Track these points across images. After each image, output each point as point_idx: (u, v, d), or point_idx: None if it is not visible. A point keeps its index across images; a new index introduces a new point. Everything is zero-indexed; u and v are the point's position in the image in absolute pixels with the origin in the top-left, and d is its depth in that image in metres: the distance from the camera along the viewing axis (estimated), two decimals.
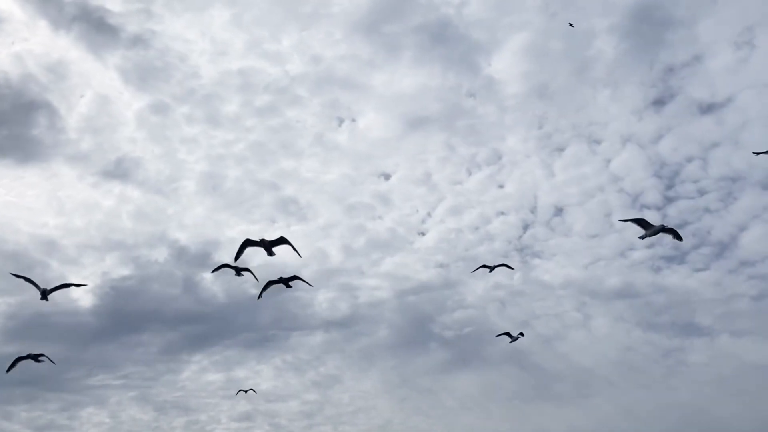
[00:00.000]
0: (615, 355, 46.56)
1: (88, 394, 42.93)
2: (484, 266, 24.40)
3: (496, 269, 24.50)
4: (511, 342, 24.98)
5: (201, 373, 45.15)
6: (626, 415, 43.36)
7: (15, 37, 43.19)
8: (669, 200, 49.80)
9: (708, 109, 47.33)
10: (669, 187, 49.87)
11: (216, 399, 43.88)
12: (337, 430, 42.63)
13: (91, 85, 47.99)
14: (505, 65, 49.60)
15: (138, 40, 45.51)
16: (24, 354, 19.26)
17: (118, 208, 48.33)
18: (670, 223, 16.91)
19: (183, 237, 48.18)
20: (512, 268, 25.76)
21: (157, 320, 45.90)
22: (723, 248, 48.04)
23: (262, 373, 45.84)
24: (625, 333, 47.08)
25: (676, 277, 47.92)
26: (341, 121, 53.13)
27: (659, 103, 49.42)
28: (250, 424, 43.20)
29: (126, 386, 43.47)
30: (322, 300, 47.58)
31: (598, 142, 50.96)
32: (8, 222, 45.58)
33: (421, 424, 43.73)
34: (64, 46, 45.60)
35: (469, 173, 52.66)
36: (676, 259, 48.83)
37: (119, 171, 47.94)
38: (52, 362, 19.76)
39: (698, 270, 48.08)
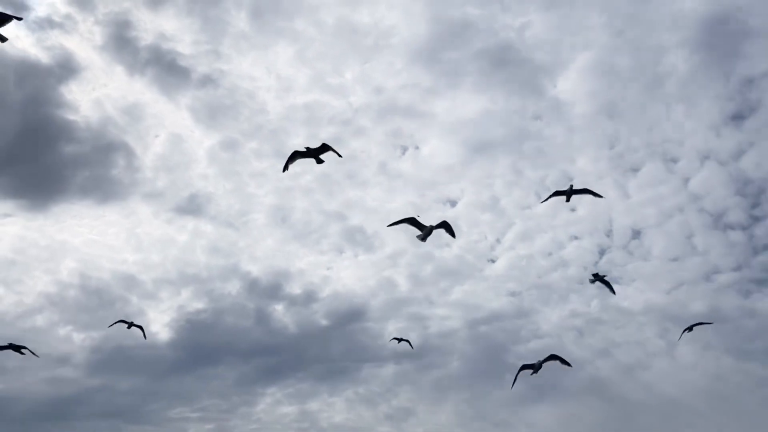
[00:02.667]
0: (704, 384, 43.72)
1: (167, 427, 43.73)
2: (558, 193, 18.79)
3: (575, 195, 18.94)
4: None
5: (275, 406, 45.29)
6: None
7: (95, 84, 45.55)
8: (755, 219, 46.93)
9: None
10: (755, 205, 47.04)
11: (292, 431, 43.83)
12: None
13: (165, 125, 49.95)
14: (571, 85, 48.36)
15: (207, 80, 47.18)
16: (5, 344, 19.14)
17: (192, 242, 49.69)
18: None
19: (254, 269, 48.94)
20: (600, 196, 18.81)
21: (231, 353, 46.50)
22: None
23: (334, 406, 45.56)
24: (714, 361, 44.20)
25: None
26: (405, 149, 53.13)
27: (739, 117, 46.95)
28: None
29: (203, 419, 44.08)
30: (392, 330, 47.06)
31: (674, 160, 48.81)
32: (92, 259, 47.57)
33: None
34: (139, 90, 47.75)
35: (539, 197, 51.30)
36: (767, 282, 45.74)
37: (192, 207, 49.43)
38: (35, 355, 19.86)
39: None
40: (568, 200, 18.89)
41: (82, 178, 44.47)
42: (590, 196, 18.85)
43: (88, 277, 44.34)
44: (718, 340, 43.90)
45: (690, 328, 23.25)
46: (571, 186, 18.43)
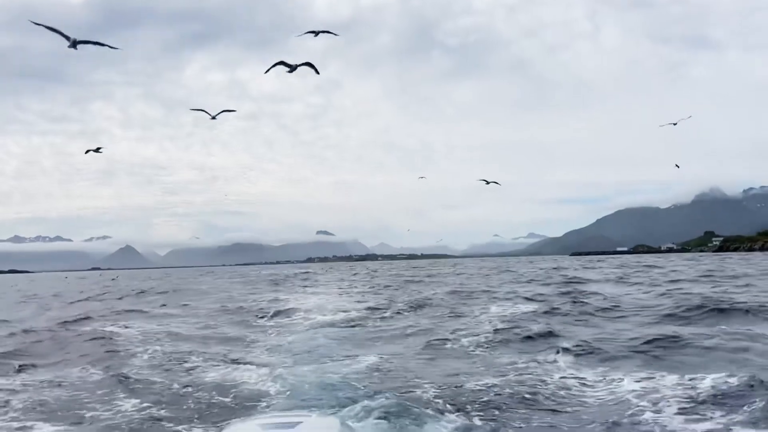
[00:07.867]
0: (620, 67, 45.76)
1: (93, 90, 43.52)
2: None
3: None
4: None
5: (203, 72, 44.99)
6: (621, 128, 44.39)
7: None
8: None
9: None
10: None
11: (222, 98, 44.56)
12: (341, 133, 44.14)
13: None
14: None
15: None
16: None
17: None
18: None
19: None
20: None
21: (151, 16, 44.30)
22: None
23: (264, 75, 45.81)
24: (634, 45, 45.72)
25: None
26: None
27: None
28: (256, 123, 44.49)
29: (129, 83, 43.77)
30: (321, 2, 45.22)
31: None
32: None
33: (420, 130, 45.20)
34: None
35: None
36: None
37: None
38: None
39: None
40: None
41: None
42: None
43: None
44: (642, 25, 44.86)
45: None
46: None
